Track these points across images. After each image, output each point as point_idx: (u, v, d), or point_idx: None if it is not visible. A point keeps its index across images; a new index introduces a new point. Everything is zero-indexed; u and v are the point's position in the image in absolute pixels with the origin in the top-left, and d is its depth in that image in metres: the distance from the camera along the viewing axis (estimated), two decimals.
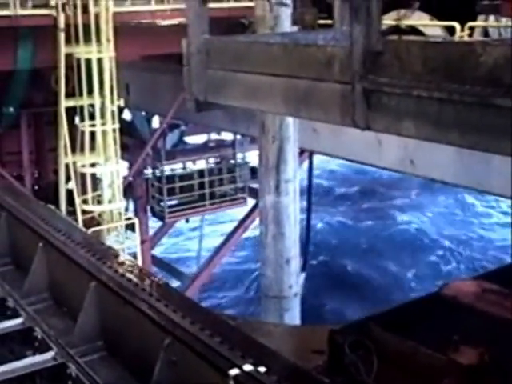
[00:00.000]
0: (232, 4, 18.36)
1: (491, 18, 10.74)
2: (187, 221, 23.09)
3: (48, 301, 6.92)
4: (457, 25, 10.21)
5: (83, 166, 17.55)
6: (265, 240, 13.10)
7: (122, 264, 6.38)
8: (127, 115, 23.46)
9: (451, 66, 4.15)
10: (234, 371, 4.59)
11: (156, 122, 23.16)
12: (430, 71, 4.21)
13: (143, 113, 23.60)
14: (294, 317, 12.92)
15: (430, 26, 11.86)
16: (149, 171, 21.62)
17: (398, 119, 4.45)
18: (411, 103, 4.34)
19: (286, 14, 11.58)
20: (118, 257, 6.69)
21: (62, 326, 6.35)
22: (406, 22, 11.63)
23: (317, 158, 22.76)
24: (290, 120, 12.36)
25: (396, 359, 5.52)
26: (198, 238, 25.05)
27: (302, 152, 20.15)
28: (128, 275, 6.05)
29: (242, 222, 22.49)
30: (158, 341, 5.17)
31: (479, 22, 10.68)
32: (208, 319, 5.38)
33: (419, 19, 12.11)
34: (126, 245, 17.70)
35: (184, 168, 22.23)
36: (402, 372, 5.49)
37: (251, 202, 22.43)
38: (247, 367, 4.61)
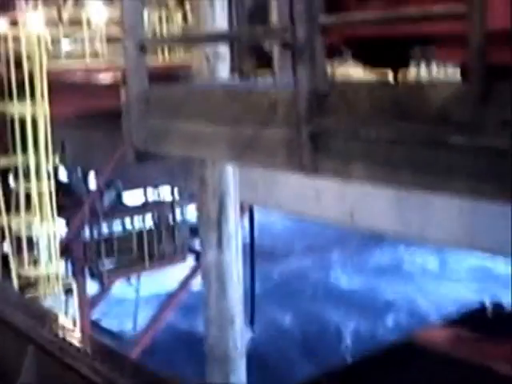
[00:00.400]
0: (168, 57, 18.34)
1: (423, 65, 10.84)
2: (130, 283, 22.66)
3: None
4: (390, 72, 10.24)
5: (18, 227, 17.10)
6: (208, 299, 12.80)
7: (62, 327, 6.10)
8: (63, 174, 23.08)
9: (400, 106, 4.05)
10: None
11: (92, 179, 22.86)
12: (378, 112, 4.11)
13: (79, 171, 23.26)
14: (239, 377, 12.58)
15: (363, 75, 11.92)
16: (86, 232, 21.19)
17: (346, 162, 4.33)
18: (359, 145, 4.23)
19: (223, 64, 11.52)
20: (57, 320, 6.40)
21: None
22: (339, 71, 11.67)
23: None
24: (229, 173, 12.22)
25: None
26: (135, 299, 24.49)
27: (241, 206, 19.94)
28: (69, 338, 5.77)
29: (185, 282, 22.17)
30: None
31: (412, 69, 10.74)
32: (152, 381, 5.13)
33: (352, 68, 12.16)
34: (64, 309, 17.21)
35: (123, 228, 21.90)
36: None
37: (191, 260, 22.17)
38: None
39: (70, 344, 5.49)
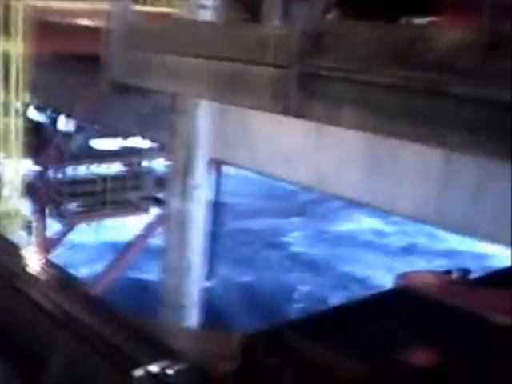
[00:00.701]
0: (153, 9, 17.89)
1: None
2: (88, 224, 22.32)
3: None
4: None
5: None
6: (168, 246, 12.64)
7: (18, 254, 5.85)
8: (33, 114, 22.56)
9: (399, 51, 3.81)
10: (138, 372, 4.13)
11: (62, 122, 22.37)
12: (377, 55, 3.87)
13: (49, 113, 22.75)
14: (191, 324, 12.47)
15: None
16: (51, 173, 20.78)
17: (336, 107, 4.09)
18: (353, 89, 3.99)
19: (208, 16, 11.20)
20: (16, 248, 6.15)
21: None
22: None
23: None
24: (201, 125, 11.95)
25: (313, 370, 5.14)
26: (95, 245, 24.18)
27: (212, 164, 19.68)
28: (21, 261, 5.51)
29: (145, 230, 21.85)
30: (53, 337, 4.65)
31: None
32: (110, 315, 4.90)
33: None
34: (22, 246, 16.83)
35: (87, 172, 21.50)
36: (319, 380, 5.11)
37: (154, 212, 21.82)
38: (153, 368, 4.16)
39: (25, 270, 5.25)
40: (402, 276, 5.59)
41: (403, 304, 5.76)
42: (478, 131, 3.44)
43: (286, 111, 4.33)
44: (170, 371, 4.16)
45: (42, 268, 5.57)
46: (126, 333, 4.57)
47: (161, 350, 4.44)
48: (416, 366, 4.28)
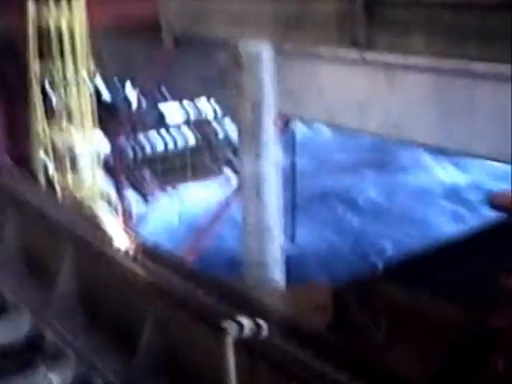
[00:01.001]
0: None
1: None
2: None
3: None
4: None
5: (59, 136, 16.86)
6: (245, 206, 12.53)
7: (103, 226, 5.85)
8: (100, 85, 22.69)
9: None
10: (230, 324, 4.06)
11: (129, 89, 22.41)
12: None
13: (116, 82, 22.83)
14: (276, 282, 12.38)
15: None
16: (125, 144, 20.93)
17: (404, 34, 3.90)
18: (420, 13, 3.79)
19: None
20: (100, 220, 6.16)
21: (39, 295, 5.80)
22: None
23: None
24: (266, 80, 11.76)
25: (407, 315, 4.99)
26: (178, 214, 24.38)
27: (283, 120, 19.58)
28: (110, 234, 5.50)
29: (227, 199, 21.91)
30: (145, 302, 4.63)
31: None
32: (201, 278, 4.86)
33: None
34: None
35: (166, 148, 21.63)
36: (415, 329, 4.95)
37: (233, 177, 21.88)
38: (246, 323, 4.09)
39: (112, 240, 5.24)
40: (495, 196, 5.38)
41: (493, 241, 5.56)
42: None
43: (354, 43, 4.15)
44: (261, 322, 4.08)
45: (133, 240, 5.56)
46: (216, 294, 4.51)
47: (252, 307, 4.37)
48: None
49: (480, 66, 4.22)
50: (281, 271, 12.48)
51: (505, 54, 3.55)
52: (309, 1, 4.44)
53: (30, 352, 4.96)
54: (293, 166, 21.82)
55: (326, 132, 34.58)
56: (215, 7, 5.21)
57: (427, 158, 32.69)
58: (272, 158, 12.37)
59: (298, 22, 4.54)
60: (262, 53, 9.72)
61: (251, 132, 12.02)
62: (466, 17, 3.63)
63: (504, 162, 10.46)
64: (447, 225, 28.89)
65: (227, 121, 21.70)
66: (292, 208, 21.50)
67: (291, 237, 19.21)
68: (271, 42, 9.23)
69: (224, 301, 4.36)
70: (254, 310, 4.26)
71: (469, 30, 3.63)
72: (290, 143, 22.01)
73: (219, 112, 21.94)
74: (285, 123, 20.83)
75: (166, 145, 21.77)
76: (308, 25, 4.50)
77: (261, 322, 4.09)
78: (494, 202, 5.58)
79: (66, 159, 16.96)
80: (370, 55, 5.84)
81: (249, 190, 12.45)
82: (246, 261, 12.73)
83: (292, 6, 4.60)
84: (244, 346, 3.92)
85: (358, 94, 13.74)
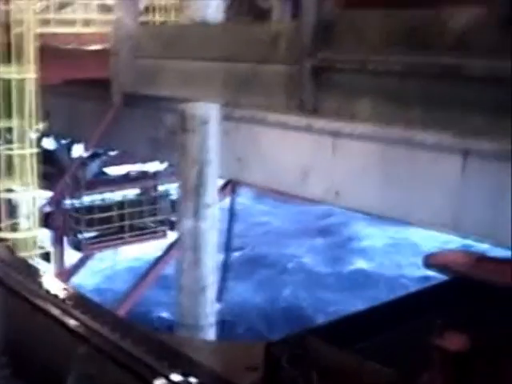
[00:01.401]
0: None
1: None
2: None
3: None
4: None
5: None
6: (182, 267, 12.48)
7: (33, 272, 5.73)
8: (48, 143, 22.53)
9: (414, 36, 3.70)
10: (159, 381, 4.00)
11: (77, 150, 22.29)
12: (390, 42, 3.76)
13: (64, 141, 22.70)
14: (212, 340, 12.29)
15: None
16: (68, 201, 20.68)
17: (351, 99, 3.98)
18: (367, 79, 3.88)
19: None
20: (28, 265, 6.04)
21: None
22: None
23: None
24: (211, 143, 11.83)
25: (338, 375, 4.98)
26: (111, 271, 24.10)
27: (226, 184, 19.64)
28: (40, 282, 5.40)
29: (162, 256, 21.72)
30: (72, 351, 4.52)
31: None
32: (130, 330, 4.76)
33: None
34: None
35: (103, 199, 21.37)
36: None
37: (172, 236, 21.64)
38: (175, 377, 4.02)
39: (41, 287, 5.14)
40: (431, 256, 5.45)
41: (428, 303, 5.63)
42: (497, 112, 3.31)
43: (301, 107, 4.22)
44: (192, 380, 4.01)
45: (63, 289, 5.45)
46: (146, 345, 4.43)
47: (182, 362, 4.29)
48: (449, 350, 4.13)
49: (422, 136, 4.30)
50: (213, 332, 12.43)
51: (447, 120, 3.65)
52: (259, 64, 4.50)
53: None
54: (229, 230, 21.85)
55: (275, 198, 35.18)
56: (165, 66, 5.25)
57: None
58: (212, 220, 12.38)
59: (248, 84, 4.60)
60: (209, 116, 9.80)
61: (194, 193, 12.02)
62: (412, 84, 3.73)
63: (444, 230, 10.59)
64: None
65: (172, 181, 21.65)
66: (224, 270, 21.46)
67: (218, 297, 19.09)
68: (219, 102, 9.34)
69: (154, 354, 4.28)
70: (185, 366, 4.19)
71: (413, 96, 3.72)
72: (229, 207, 22.09)
73: (165, 172, 21.88)
74: (226, 186, 20.94)
75: (105, 199, 21.60)
76: (258, 87, 4.56)
77: (191, 379, 4.04)
78: (429, 261, 5.66)
79: (3, 212, 16.75)
80: (316, 122, 5.95)
81: (186, 250, 12.41)
82: (179, 320, 12.64)
83: (242, 68, 4.66)
84: None
85: (302, 159, 13.86)
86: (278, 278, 30.47)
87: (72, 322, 4.71)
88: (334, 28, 4.08)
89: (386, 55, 3.80)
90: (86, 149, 20.13)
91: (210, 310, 12.47)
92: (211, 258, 12.52)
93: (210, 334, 12.50)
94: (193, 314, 12.26)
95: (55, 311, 4.80)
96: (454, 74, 3.52)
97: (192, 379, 4.03)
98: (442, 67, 3.56)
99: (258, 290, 29.24)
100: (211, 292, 12.57)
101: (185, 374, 4.05)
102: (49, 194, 19.91)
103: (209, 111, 9.74)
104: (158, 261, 22.08)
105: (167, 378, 4.02)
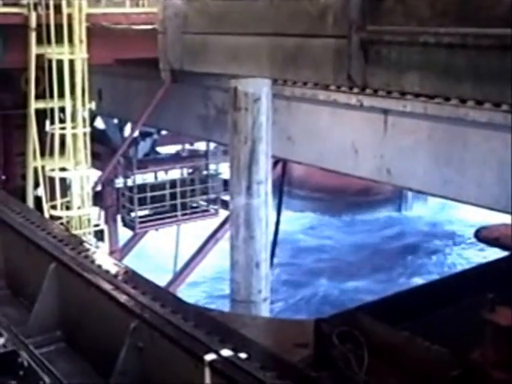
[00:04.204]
0: None
1: None
2: (157, 230, 22.36)
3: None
4: None
5: (52, 170, 16.83)
6: (235, 243, 12.55)
7: (86, 248, 5.79)
8: (99, 123, 22.74)
9: (464, 8, 3.64)
10: (210, 356, 4.02)
11: (128, 130, 22.46)
12: (439, 14, 3.70)
13: (115, 121, 22.88)
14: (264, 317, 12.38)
15: None
16: (120, 180, 20.89)
17: (400, 72, 3.94)
18: (416, 53, 3.83)
19: None
20: (81, 242, 6.10)
21: (17, 315, 5.76)
22: None
23: None
24: (263, 120, 11.85)
25: (388, 352, 4.97)
26: (174, 249, 24.35)
27: (276, 162, 19.59)
28: (91, 258, 5.46)
29: (215, 234, 21.85)
30: (123, 325, 4.59)
31: None
32: (180, 306, 4.80)
33: None
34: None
35: (156, 178, 21.52)
36: (396, 366, 4.92)
37: (224, 214, 21.73)
38: (226, 352, 4.04)
39: (93, 262, 5.21)
40: (483, 229, 5.39)
41: (479, 281, 5.58)
42: None
43: (349, 81, 4.18)
44: (242, 356, 4.03)
45: (114, 265, 5.51)
46: (196, 321, 4.46)
47: (232, 338, 4.32)
48: (500, 325, 4.10)
49: (473, 114, 4.25)
50: (267, 307, 12.50)
51: (500, 95, 3.59)
52: (305, 37, 4.47)
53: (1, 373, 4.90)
54: (278, 208, 21.88)
55: None
56: (211, 42, 5.25)
57: None
58: (264, 197, 12.44)
59: (295, 58, 4.58)
60: (261, 93, 9.81)
61: (246, 170, 12.08)
62: (461, 57, 3.67)
63: (498, 210, 10.42)
64: None
65: (223, 160, 21.69)
66: (273, 245, 21.51)
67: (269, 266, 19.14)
68: (268, 77, 9.32)
69: (204, 330, 4.31)
70: (235, 342, 4.22)
71: (463, 70, 3.66)
72: (279, 187, 22.10)
73: (216, 151, 21.92)
74: (276, 165, 20.93)
75: (155, 178, 21.75)
76: (305, 62, 4.53)
77: (242, 354, 4.05)
78: (481, 234, 5.60)
79: (58, 190, 16.99)
80: (367, 99, 5.89)
81: (239, 226, 12.49)
82: (232, 296, 12.74)
83: (289, 43, 4.63)
84: (223, 378, 3.89)
85: (353, 137, 13.77)
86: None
87: (123, 297, 4.77)
88: (381, 1, 4.03)
89: (435, 27, 3.74)
90: (134, 128, 20.27)
91: (263, 285, 12.57)
92: (264, 235, 12.61)
93: (264, 310, 12.59)
94: (247, 290, 12.36)
95: (107, 286, 4.86)
96: (503, 46, 3.46)
97: (242, 355, 4.05)
98: (492, 39, 3.50)
99: None
100: (264, 268, 12.66)
101: (235, 350, 4.07)
102: (101, 172, 20.13)
103: (261, 88, 9.78)
104: (210, 239, 22.25)
105: (217, 353, 4.04)
